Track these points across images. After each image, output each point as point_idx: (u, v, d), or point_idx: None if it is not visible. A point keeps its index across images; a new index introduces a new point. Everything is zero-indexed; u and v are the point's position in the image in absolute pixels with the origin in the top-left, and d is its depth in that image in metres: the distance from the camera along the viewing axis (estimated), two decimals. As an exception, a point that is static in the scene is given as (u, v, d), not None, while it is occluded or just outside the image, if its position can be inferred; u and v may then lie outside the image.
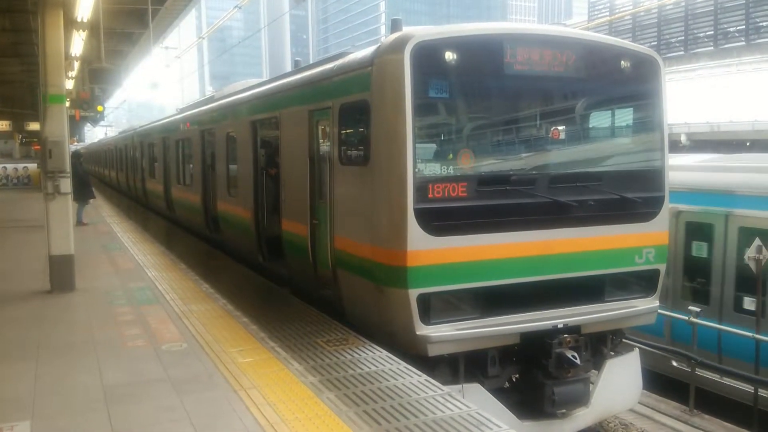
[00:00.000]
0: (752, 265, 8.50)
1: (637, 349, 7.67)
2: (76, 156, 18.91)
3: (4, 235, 15.83)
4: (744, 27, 22.05)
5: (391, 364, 5.84)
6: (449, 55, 6.10)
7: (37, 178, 30.54)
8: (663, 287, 10.08)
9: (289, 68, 11.33)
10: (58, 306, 8.47)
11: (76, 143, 39.76)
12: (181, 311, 7.84)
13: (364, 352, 6.18)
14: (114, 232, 15.82)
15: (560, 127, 7.02)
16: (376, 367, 5.78)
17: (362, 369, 5.72)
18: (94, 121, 32.45)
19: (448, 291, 6.22)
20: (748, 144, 19.71)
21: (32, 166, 32.95)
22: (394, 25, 6.68)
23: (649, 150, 7.38)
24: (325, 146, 7.63)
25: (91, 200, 18.32)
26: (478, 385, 6.37)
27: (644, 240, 7.11)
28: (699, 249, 10.08)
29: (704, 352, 9.12)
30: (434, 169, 6.15)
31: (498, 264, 6.33)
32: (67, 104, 12.36)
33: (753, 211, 9.26)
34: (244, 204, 10.45)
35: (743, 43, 22.02)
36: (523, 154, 6.92)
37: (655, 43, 24.03)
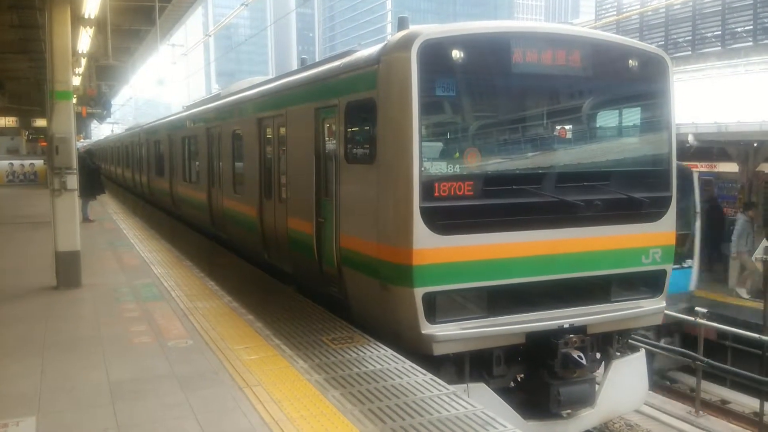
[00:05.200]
0: (760, 267, 8.45)
1: (643, 349, 7.64)
2: (88, 153, 19.01)
3: (11, 231, 15.89)
4: (752, 27, 21.91)
5: (397, 363, 5.84)
6: (456, 54, 6.08)
7: (43, 174, 30.65)
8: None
9: (295, 66, 11.30)
10: (65, 302, 8.50)
11: (82, 140, 39.90)
12: (187, 308, 7.86)
13: (369, 351, 6.17)
14: (120, 228, 15.86)
15: (567, 126, 6.99)
16: (381, 365, 5.78)
17: (367, 367, 5.72)
18: (101, 118, 32.56)
19: (453, 290, 6.20)
20: (755, 145, 19.61)
21: (39, 163, 33.09)
22: (401, 24, 6.65)
23: (657, 150, 7.34)
24: (331, 144, 7.61)
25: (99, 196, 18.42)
26: (484, 384, 6.37)
27: (651, 240, 7.07)
28: None
29: None
30: (440, 167, 6.13)
31: (504, 263, 6.30)
32: (74, 101, 12.40)
33: None
34: (250, 201, 10.46)
35: (751, 43, 21.90)
36: (530, 153, 6.88)
37: (663, 42, 23.89)
